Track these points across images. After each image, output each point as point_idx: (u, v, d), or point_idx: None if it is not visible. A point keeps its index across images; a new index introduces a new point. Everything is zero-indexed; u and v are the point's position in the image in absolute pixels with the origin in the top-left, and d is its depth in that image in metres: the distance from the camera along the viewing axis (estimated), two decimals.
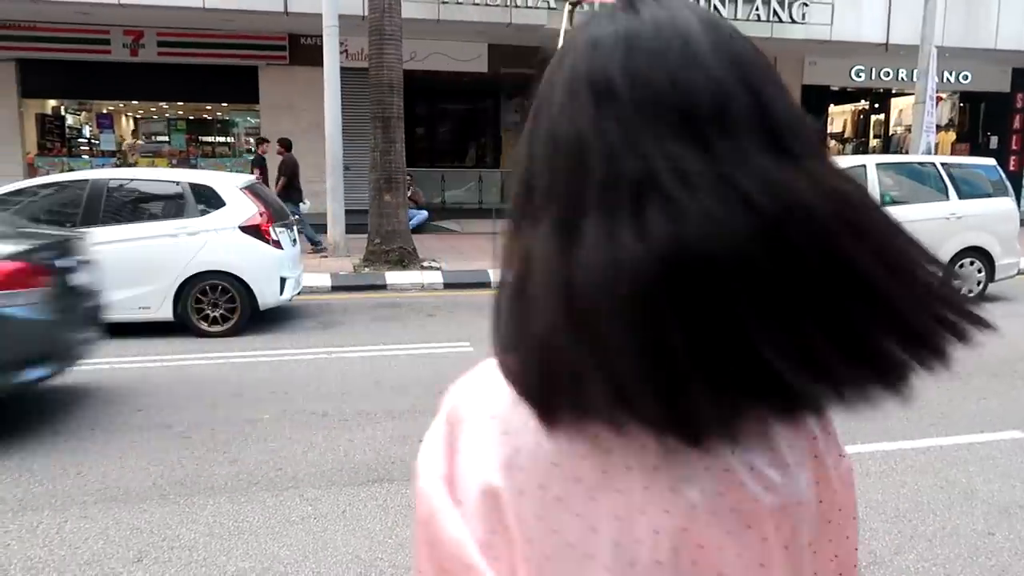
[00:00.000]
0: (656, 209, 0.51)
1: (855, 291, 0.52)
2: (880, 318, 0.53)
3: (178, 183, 7.32)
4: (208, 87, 14.51)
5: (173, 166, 14.40)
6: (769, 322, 0.50)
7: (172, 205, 7.24)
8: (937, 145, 14.09)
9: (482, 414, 0.58)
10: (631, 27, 0.56)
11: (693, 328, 0.50)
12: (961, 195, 9.09)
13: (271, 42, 14.20)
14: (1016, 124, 18.01)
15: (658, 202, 0.51)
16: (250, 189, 7.45)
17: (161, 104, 15.71)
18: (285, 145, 11.65)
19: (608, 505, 0.54)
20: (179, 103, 15.56)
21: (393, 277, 9.68)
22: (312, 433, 4.58)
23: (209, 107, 15.94)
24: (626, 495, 0.54)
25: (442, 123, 21.74)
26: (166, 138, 15.76)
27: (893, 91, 18.20)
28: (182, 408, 5.02)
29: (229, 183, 7.38)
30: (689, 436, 0.52)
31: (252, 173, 11.03)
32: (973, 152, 16.49)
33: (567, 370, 0.52)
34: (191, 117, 16.00)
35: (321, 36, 10.36)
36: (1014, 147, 17.91)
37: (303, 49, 14.03)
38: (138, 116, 16.34)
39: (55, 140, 15.06)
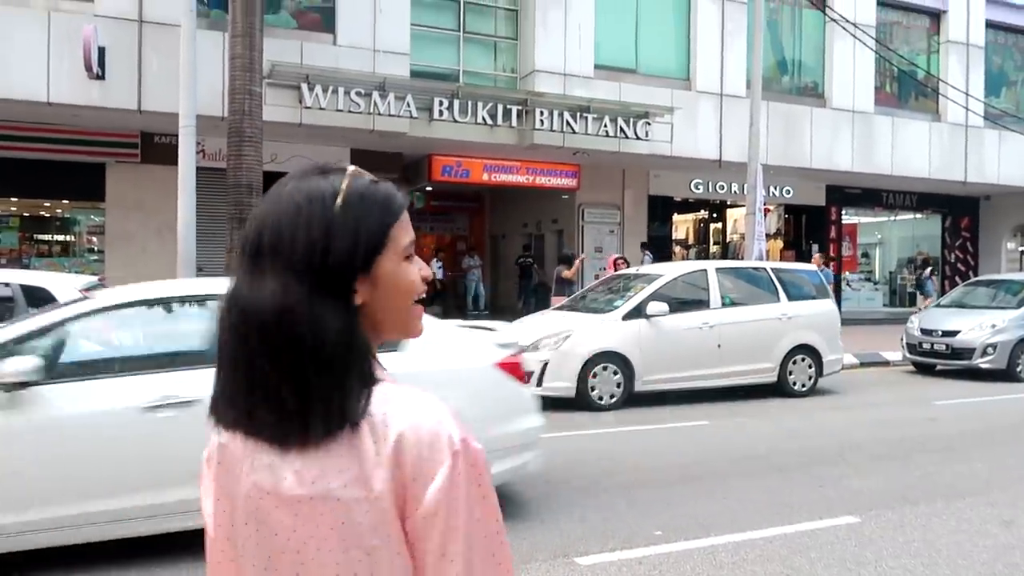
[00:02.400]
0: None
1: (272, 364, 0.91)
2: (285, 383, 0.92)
3: (7, 284, 6.75)
4: (48, 183, 13.68)
5: (2, 266, 13.28)
6: (246, 379, 0.93)
7: None
8: (768, 251, 15.48)
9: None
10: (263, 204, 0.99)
11: (233, 377, 0.94)
12: (790, 297, 9.98)
13: (121, 139, 13.70)
14: (832, 234, 20.15)
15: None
16: (92, 291, 6.99)
17: None
18: None
19: (229, 477, 0.98)
20: (12, 199, 14.54)
21: None
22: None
23: (48, 204, 15.00)
24: (233, 474, 0.97)
25: None
26: None
27: (728, 202, 19.96)
28: None
29: (67, 284, 6.90)
30: (251, 438, 0.94)
31: None
32: (798, 258, 18.24)
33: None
34: (26, 214, 14.96)
35: (176, 135, 10.15)
36: (831, 254, 19.95)
37: (156, 147, 13.63)
38: None
39: None
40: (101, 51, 11.33)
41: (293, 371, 0.90)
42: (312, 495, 0.91)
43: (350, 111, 12.55)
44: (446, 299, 19.48)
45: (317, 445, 0.91)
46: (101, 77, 11.43)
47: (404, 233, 1.00)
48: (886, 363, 12.86)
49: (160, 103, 11.49)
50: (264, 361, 0.90)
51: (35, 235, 14.94)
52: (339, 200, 0.95)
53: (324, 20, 13.21)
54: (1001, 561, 4.34)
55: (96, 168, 13.76)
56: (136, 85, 11.76)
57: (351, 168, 1.02)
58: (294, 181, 0.98)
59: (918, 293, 19.47)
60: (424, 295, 1.03)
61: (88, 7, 11.61)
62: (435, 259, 19.52)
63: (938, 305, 13.63)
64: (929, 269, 20.18)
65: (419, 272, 1.02)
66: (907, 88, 18.91)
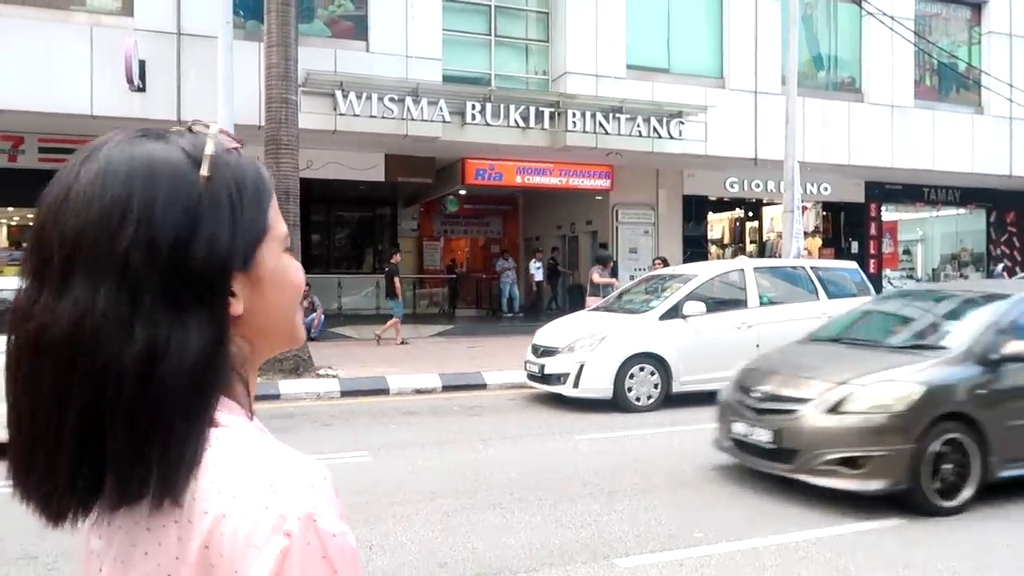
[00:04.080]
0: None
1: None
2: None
3: None
4: None
5: None
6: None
7: None
8: (807, 250, 15.24)
9: None
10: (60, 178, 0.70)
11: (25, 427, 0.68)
12: (830, 296, 9.80)
13: None
14: (872, 231, 19.77)
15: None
16: None
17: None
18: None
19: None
20: None
21: (287, 386, 9.39)
22: None
23: None
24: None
25: (339, 230, 21.79)
26: None
27: (764, 200, 19.70)
28: (48, 536, 4.59)
29: None
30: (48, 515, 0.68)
31: (392, 283, 13.99)
32: (837, 256, 17.94)
33: None
34: None
35: None
36: (872, 251, 19.58)
37: None
38: (12, 223, 15.53)
39: None
40: (141, 64, 11.61)
41: (100, 417, 0.64)
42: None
43: (384, 117, 12.67)
44: (541, 302, 19.33)
45: (110, 523, 0.68)
46: (142, 89, 11.71)
47: (281, 217, 0.77)
48: None
49: (199, 113, 11.62)
50: (68, 405, 0.64)
51: None
52: (204, 171, 0.68)
53: (357, 28, 13.37)
54: None
55: None
56: (175, 96, 12.01)
57: (214, 127, 0.75)
58: (119, 145, 0.69)
59: None
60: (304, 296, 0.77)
61: (128, 21, 11.90)
62: (533, 260, 19.21)
63: None
64: (1002, 265, 19.53)
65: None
66: (948, 81, 18.49)
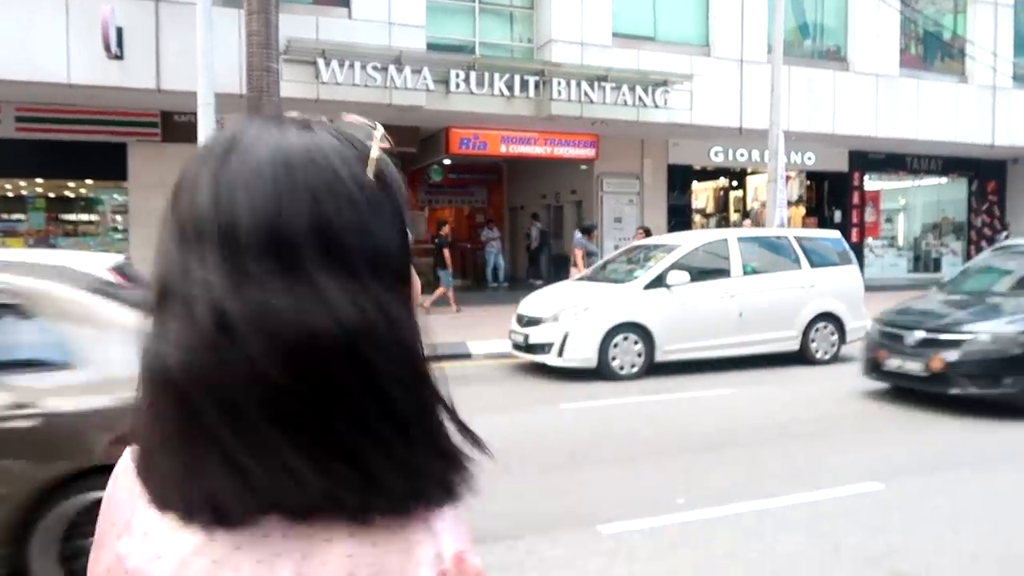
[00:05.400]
0: (166, 319, 0.61)
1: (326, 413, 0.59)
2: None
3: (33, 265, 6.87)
4: (72, 164, 13.84)
5: (30, 246, 13.51)
6: (242, 434, 0.58)
7: None
8: (789, 219, 15.32)
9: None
10: (208, 155, 0.63)
11: (174, 433, 0.60)
12: (813, 265, 9.90)
13: (142, 119, 13.79)
14: (855, 200, 19.88)
15: (166, 313, 0.61)
16: (118, 270, 7.09)
17: (18, 181, 14.81)
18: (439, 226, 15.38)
19: None
20: (38, 180, 14.73)
21: None
22: None
23: (72, 184, 15.17)
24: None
25: None
26: (22, 216, 14.79)
27: (749, 170, 19.73)
28: None
29: (94, 264, 7.01)
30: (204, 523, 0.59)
31: (442, 254, 14.26)
32: (820, 225, 18.03)
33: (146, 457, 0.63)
34: (51, 195, 15.15)
35: (195, 113, 10.21)
36: (854, 220, 19.72)
37: (177, 126, 13.70)
38: None
39: None
40: (119, 31, 11.37)
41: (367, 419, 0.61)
42: None
43: (366, 85, 12.52)
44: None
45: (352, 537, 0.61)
46: (120, 57, 11.48)
47: None
48: None
49: (179, 82, 11.53)
50: (320, 412, 0.58)
51: (60, 215, 15.14)
52: (371, 169, 0.65)
53: None
54: None
55: (118, 148, 13.87)
56: (154, 64, 11.80)
57: (365, 119, 0.71)
58: (298, 135, 0.64)
59: None
60: None
61: None
62: (577, 232, 18.97)
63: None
64: (1005, 233, 19.59)
65: None
66: (932, 49, 18.49)
